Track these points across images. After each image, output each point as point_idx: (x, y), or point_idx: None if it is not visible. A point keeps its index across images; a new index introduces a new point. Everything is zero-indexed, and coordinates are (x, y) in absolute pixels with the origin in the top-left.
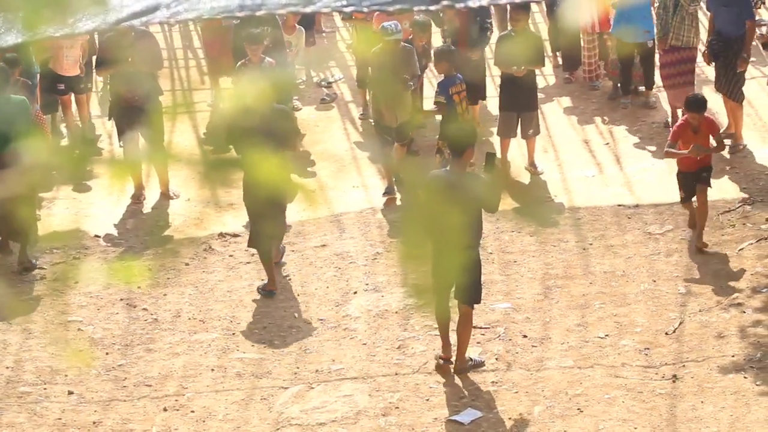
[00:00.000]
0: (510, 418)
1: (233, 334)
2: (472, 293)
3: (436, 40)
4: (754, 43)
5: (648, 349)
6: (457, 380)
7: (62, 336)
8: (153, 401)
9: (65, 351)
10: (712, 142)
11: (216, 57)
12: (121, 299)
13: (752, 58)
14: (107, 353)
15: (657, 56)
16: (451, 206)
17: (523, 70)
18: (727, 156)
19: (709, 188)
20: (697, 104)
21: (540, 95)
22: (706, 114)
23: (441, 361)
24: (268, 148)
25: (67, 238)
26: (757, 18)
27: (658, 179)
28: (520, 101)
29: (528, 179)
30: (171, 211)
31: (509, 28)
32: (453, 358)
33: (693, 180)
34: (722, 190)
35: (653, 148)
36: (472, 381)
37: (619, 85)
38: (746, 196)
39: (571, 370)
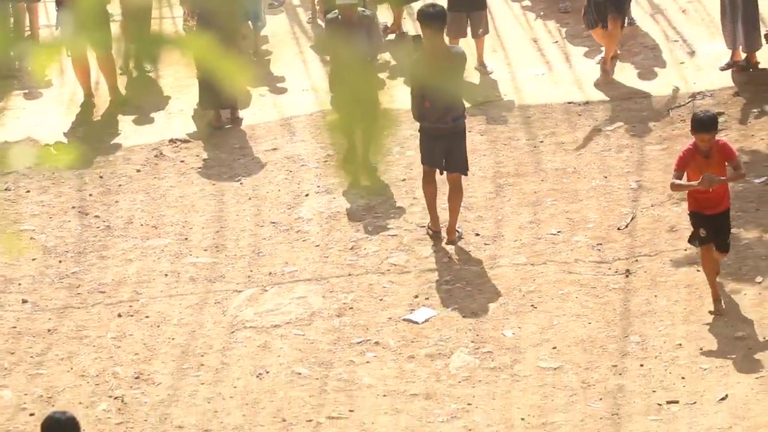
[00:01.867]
0: (464, 316)
1: (186, 239)
2: (461, 162)
3: None
4: None
5: (600, 244)
6: (410, 280)
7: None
8: (107, 308)
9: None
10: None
11: None
12: (73, 207)
13: None
14: (60, 261)
15: None
16: (437, 79)
17: None
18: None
19: (724, 255)
20: (706, 123)
21: None
22: (717, 136)
23: (431, 232)
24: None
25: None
26: None
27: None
28: (468, 0)
29: (478, 79)
30: (121, 118)
31: None
32: (443, 233)
33: (708, 226)
34: (671, 85)
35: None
36: (426, 279)
37: None
38: (696, 91)
39: (524, 267)
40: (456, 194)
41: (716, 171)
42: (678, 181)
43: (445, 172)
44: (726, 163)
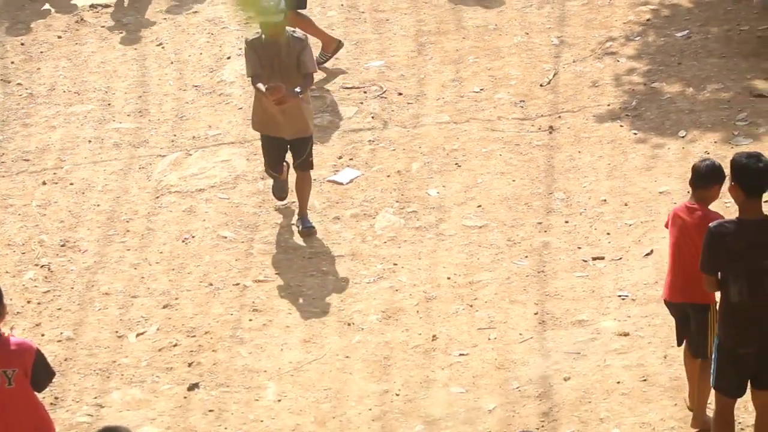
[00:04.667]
0: (388, 176)
1: (109, 104)
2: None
3: None
4: None
5: (523, 101)
6: (334, 141)
7: None
8: (32, 175)
9: None
10: None
11: None
12: None
13: None
14: None
15: None
16: None
17: None
18: None
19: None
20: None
21: None
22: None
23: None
24: None
25: None
26: None
27: None
28: None
29: None
30: None
31: None
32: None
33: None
34: None
35: None
36: (350, 140)
37: None
38: None
39: (447, 126)
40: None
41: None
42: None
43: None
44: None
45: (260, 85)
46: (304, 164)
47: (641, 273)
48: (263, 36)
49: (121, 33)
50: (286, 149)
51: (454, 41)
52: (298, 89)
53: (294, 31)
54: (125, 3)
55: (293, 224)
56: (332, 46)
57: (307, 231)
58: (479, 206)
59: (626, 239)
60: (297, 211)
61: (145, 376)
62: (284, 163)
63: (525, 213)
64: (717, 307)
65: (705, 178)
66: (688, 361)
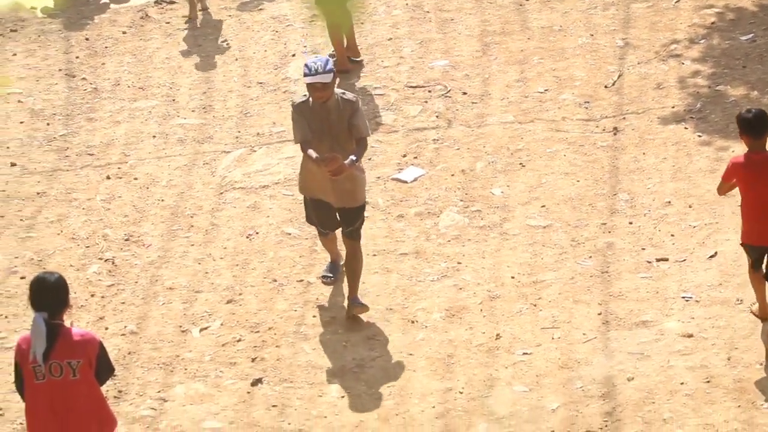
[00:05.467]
0: (452, 175)
1: (173, 100)
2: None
3: None
4: None
5: (588, 102)
6: (399, 139)
7: None
8: (96, 170)
9: None
10: None
11: None
12: (60, 69)
13: None
14: (48, 124)
15: None
16: None
17: None
18: None
19: None
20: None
21: None
22: None
23: None
24: None
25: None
26: None
27: None
28: None
29: None
30: None
31: None
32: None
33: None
34: None
35: None
36: (415, 138)
37: None
38: None
39: (511, 126)
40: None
41: None
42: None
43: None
44: None
45: (312, 152)
46: (355, 233)
47: (705, 275)
48: (311, 99)
49: (186, 29)
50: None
51: (518, 41)
52: (353, 157)
53: (344, 93)
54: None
55: (344, 305)
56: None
57: (360, 308)
58: (543, 206)
59: (690, 241)
60: (347, 290)
61: (208, 371)
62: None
63: (589, 213)
64: None
65: (758, 126)
66: (757, 281)
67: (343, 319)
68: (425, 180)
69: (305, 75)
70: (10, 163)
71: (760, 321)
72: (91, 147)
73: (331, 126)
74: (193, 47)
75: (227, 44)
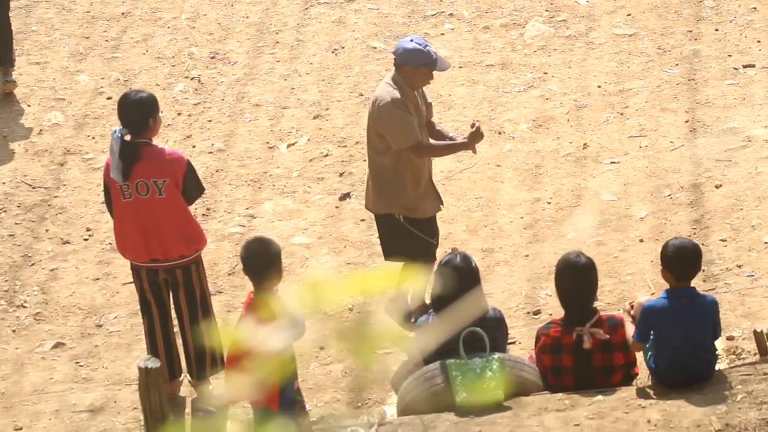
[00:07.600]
0: None
1: None
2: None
3: None
4: None
5: None
6: None
7: None
8: None
9: None
10: None
11: None
12: None
13: None
14: None
15: None
16: None
17: None
18: None
19: None
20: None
21: None
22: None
23: None
24: None
25: None
26: None
27: None
28: None
29: None
30: None
31: None
32: None
33: None
34: None
35: None
36: None
37: None
38: None
39: None
40: None
41: None
42: None
43: None
44: None
45: (438, 142)
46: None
47: None
48: (401, 94)
49: None
50: None
51: None
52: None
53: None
54: None
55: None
56: None
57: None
58: (629, 15)
59: None
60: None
61: (296, 187)
62: None
63: (675, 21)
64: None
65: None
66: None
67: None
68: None
69: (431, 63)
70: None
71: None
72: None
73: (421, 116)
74: None
75: None
